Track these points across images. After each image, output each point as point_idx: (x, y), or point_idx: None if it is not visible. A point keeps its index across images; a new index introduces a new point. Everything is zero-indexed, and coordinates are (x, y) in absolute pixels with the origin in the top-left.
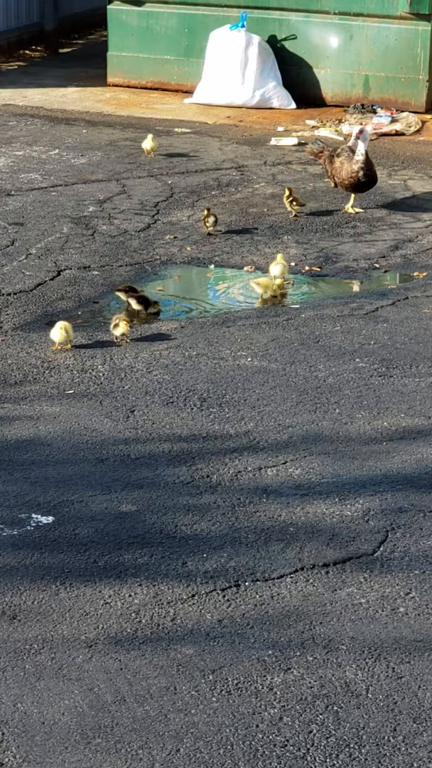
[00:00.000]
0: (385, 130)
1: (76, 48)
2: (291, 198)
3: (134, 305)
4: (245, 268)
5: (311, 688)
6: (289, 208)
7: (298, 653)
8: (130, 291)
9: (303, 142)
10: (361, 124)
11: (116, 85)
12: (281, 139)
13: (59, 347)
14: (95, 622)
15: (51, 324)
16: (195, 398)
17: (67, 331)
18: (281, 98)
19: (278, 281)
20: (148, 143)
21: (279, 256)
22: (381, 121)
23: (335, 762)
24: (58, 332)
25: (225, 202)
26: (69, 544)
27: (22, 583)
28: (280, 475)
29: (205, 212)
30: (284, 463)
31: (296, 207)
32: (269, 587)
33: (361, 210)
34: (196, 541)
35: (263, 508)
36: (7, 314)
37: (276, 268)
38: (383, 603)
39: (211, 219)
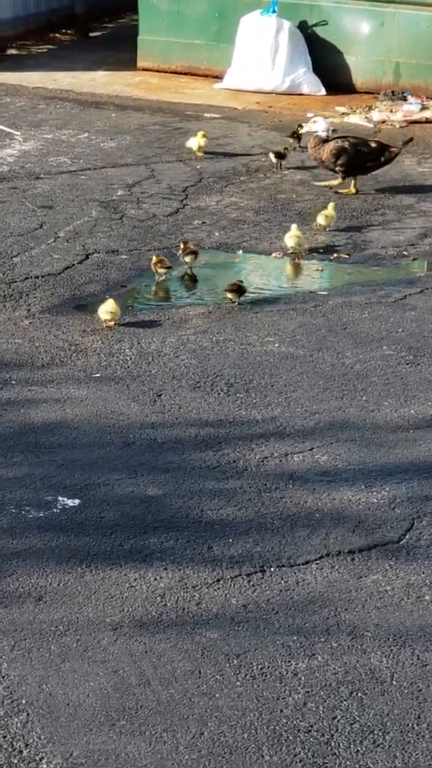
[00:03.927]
0: (415, 117)
1: (106, 32)
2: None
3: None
4: (273, 254)
5: (336, 674)
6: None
7: (322, 639)
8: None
9: (333, 129)
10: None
11: (146, 70)
12: (311, 125)
13: (107, 326)
14: (120, 605)
15: (101, 302)
16: (222, 383)
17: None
18: (311, 84)
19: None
20: (196, 141)
21: (293, 227)
22: (411, 108)
23: (359, 748)
24: (108, 311)
25: (254, 188)
26: (95, 527)
27: (48, 565)
28: (306, 462)
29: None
30: (311, 450)
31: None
32: (294, 573)
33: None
34: (221, 526)
35: (289, 494)
36: (35, 297)
37: (290, 240)
38: (408, 591)
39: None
